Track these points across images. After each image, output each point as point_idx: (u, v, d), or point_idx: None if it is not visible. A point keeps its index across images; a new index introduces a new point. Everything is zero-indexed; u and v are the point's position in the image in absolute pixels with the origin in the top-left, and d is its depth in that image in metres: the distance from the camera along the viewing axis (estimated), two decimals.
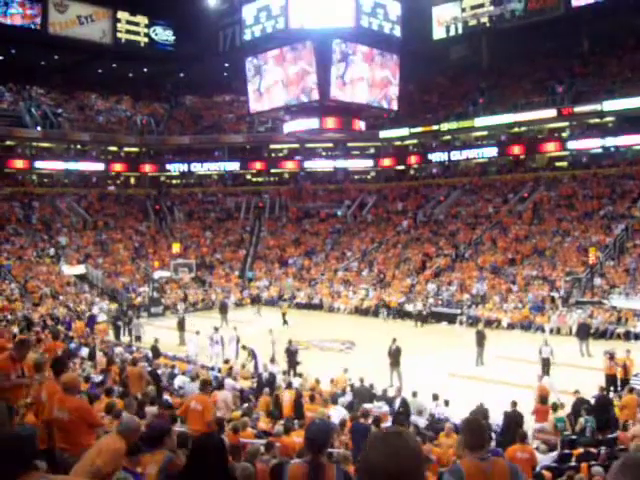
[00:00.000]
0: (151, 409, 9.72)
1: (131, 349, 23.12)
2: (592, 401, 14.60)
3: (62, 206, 47.89)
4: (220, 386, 13.60)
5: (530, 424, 14.04)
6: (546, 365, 19.84)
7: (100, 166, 52.55)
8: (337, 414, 13.77)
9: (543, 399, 14.70)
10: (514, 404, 13.99)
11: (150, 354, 21.82)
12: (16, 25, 41.12)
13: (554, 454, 11.20)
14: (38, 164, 49.26)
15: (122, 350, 21.30)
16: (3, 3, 40.62)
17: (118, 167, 53.70)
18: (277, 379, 18.07)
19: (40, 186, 49.66)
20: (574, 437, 13.06)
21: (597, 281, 32.23)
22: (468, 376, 21.17)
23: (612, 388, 17.69)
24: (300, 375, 18.58)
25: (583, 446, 11.62)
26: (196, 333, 25.19)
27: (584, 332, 24.75)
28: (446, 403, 15.67)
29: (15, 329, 22.89)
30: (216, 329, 25.12)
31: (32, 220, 44.82)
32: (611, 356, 18.35)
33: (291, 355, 21.82)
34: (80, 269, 40.14)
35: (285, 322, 32.49)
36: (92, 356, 18.85)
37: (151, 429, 5.85)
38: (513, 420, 13.49)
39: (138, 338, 28.31)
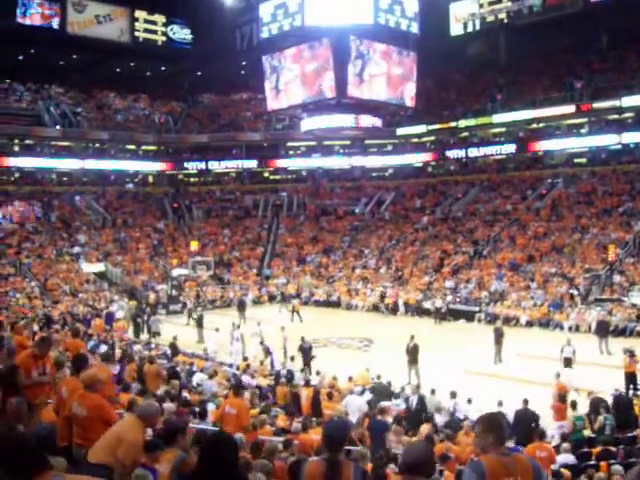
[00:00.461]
0: (169, 406, 9.77)
1: (150, 346, 23.25)
2: (610, 400, 14.52)
3: (81, 204, 48.24)
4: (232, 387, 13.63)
5: (548, 421, 14.00)
6: (568, 365, 19.58)
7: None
8: (353, 403, 13.76)
9: (562, 397, 14.62)
10: (525, 402, 13.96)
11: (169, 351, 21.96)
12: (35, 25, 41.33)
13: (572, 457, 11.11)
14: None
15: (141, 347, 21.42)
16: (22, 4, 40.86)
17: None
18: (295, 377, 18.16)
19: (59, 185, 50.01)
20: (593, 435, 13.00)
21: (616, 278, 32.01)
22: (486, 374, 21.12)
23: (632, 386, 17.59)
24: (318, 373, 18.59)
25: (602, 444, 11.56)
26: (215, 330, 25.29)
27: (603, 330, 24.60)
28: (469, 401, 15.59)
29: (35, 327, 23.13)
30: (238, 326, 25.30)
31: (51, 218, 45.17)
32: (631, 354, 18.23)
33: (305, 352, 21.89)
34: (99, 267, 40.44)
35: (295, 318, 32.90)
36: (111, 353, 18.97)
37: (164, 427, 5.90)
38: (524, 418, 13.46)
39: (157, 334, 28.48)
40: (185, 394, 13.79)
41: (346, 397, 14.70)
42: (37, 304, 33.36)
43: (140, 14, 46.14)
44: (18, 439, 3.21)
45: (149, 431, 6.71)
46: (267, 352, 22.81)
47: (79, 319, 30.04)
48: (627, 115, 41.87)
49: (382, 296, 37.17)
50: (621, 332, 26.93)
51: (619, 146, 42.42)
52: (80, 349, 12.30)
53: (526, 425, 13.21)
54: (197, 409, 11.47)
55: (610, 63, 43.60)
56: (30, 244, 41.08)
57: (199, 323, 28.83)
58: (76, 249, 41.99)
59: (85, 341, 18.90)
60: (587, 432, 13.39)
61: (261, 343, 23.83)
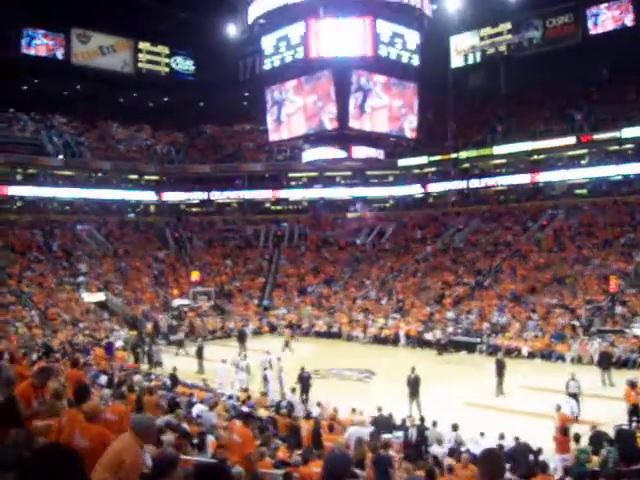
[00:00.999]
0: (168, 438, 9.68)
1: (150, 377, 23.12)
2: (612, 432, 14.39)
3: (82, 234, 48.27)
4: (240, 415, 13.53)
5: (551, 454, 13.87)
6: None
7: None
8: (357, 434, 13.66)
9: (564, 429, 14.51)
10: (517, 439, 13.91)
11: (169, 382, 21.83)
12: (39, 56, 41.78)
13: None
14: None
15: (140, 378, 21.29)
16: (27, 34, 41.32)
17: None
18: (296, 408, 18.04)
19: (61, 213, 50.06)
20: (597, 469, 12.87)
21: (618, 309, 31.91)
22: (488, 406, 20.97)
23: (635, 418, 17.43)
24: (319, 404, 18.46)
25: (606, 478, 11.44)
26: (222, 362, 25.24)
27: (606, 361, 24.47)
28: (482, 434, 15.34)
29: (34, 356, 23.04)
30: (245, 356, 25.28)
31: (53, 247, 45.17)
32: (633, 385, 18.09)
33: (304, 381, 21.97)
34: (100, 296, 40.33)
35: (287, 348, 33.11)
36: (111, 383, 18.86)
37: (157, 459, 5.86)
38: (520, 451, 13.37)
39: (159, 364, 28.41)
40: (184, 425, 13.69)
41: (349, 428, 14.60)
42: (37, 333, 33.23)
43: (144, 45, 46.57)
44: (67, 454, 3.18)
45: (148, 461, 6.66)
46: (264, 380, 22.95)
47: (79, 349, 29.91)
48: (627, 146, 42.10)
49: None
50: (624, 364, 26.75)
51: (619, 177, 42.54)
52: (81, 380, 12.23)
53: (524, 457, 13.12)
54: (196, 441, 11.38)
55: (610, 95, 43.89)
56: (31, 273, 41.04)
57: (199, 354, 28.68)
58: (79, 279, 41.93)
59: (85, 371, 18.80)
60: (591, 465, 13.26)
61: (265, 369, 23.85)
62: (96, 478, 5.27)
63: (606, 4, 38.68)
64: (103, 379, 19.43)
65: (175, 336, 36.12)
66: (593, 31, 39.20)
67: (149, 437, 5.84)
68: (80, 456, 3.14)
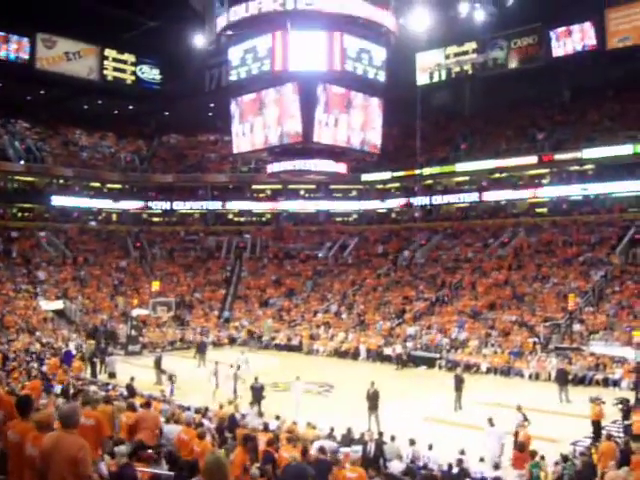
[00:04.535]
0: (121, 449, 9.44)
1: (107, 387, 22.79)
2: (570, 449, 14.50)
3: (42, 240, 47.53)
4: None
5: (509, 471, 13.93)
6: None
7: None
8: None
9: (521, 446, 14.58)
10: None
11: (125, 393, 21.53)
12: (3, 59, 41.23)
13: None
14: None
15: (97, 389, 20.97)
16: None
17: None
18: (252, 422, 17.88)
19: (20, 220, 49.28)
20: None
21: (576, 327, 32.30)
22: (446, 421, 21.02)
23: (592, 435, 17.59)
24: (277, 417, 18.32)
25: None
26: (215, 363, 25.45)
27: (563, 378, 24.74)
28: (430, 447, 15.36)
29: None
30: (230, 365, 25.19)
31: (11, 254, 44.42)
32: (601, 402, 18.26)
33: (255, 391, 21.95)
34: (58, 304, 39.73)
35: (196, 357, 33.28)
36: (66, 393, 18.55)
37: None
38: None
39: (112, 375, 28.07)
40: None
41: (315, 443, 14.49)
42: None
43: (110, 53, 46.25)
44: None
45: (104, 470, 6.55)
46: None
47: (34, 357, 29.38)
48: (588, 167, 42.75)
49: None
50: (580, 381, 27.09)
51: (580, 197, 43.16)
52: (35, 390, 12.02)
53: None
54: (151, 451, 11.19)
55: (572, 116, 44.66)
56: None
57: (157, 365, 28.36)
58: (38, 286, 41.28)
59: (41, 381, 18.50)
60: None
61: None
62: None
63: (569, 27, 39.39)
64: (58, 388, 19.11)
65: (134, 346, 35.79)
66: (556, 53, 39.88)
67: (77, 423, 5.78)
68: None
